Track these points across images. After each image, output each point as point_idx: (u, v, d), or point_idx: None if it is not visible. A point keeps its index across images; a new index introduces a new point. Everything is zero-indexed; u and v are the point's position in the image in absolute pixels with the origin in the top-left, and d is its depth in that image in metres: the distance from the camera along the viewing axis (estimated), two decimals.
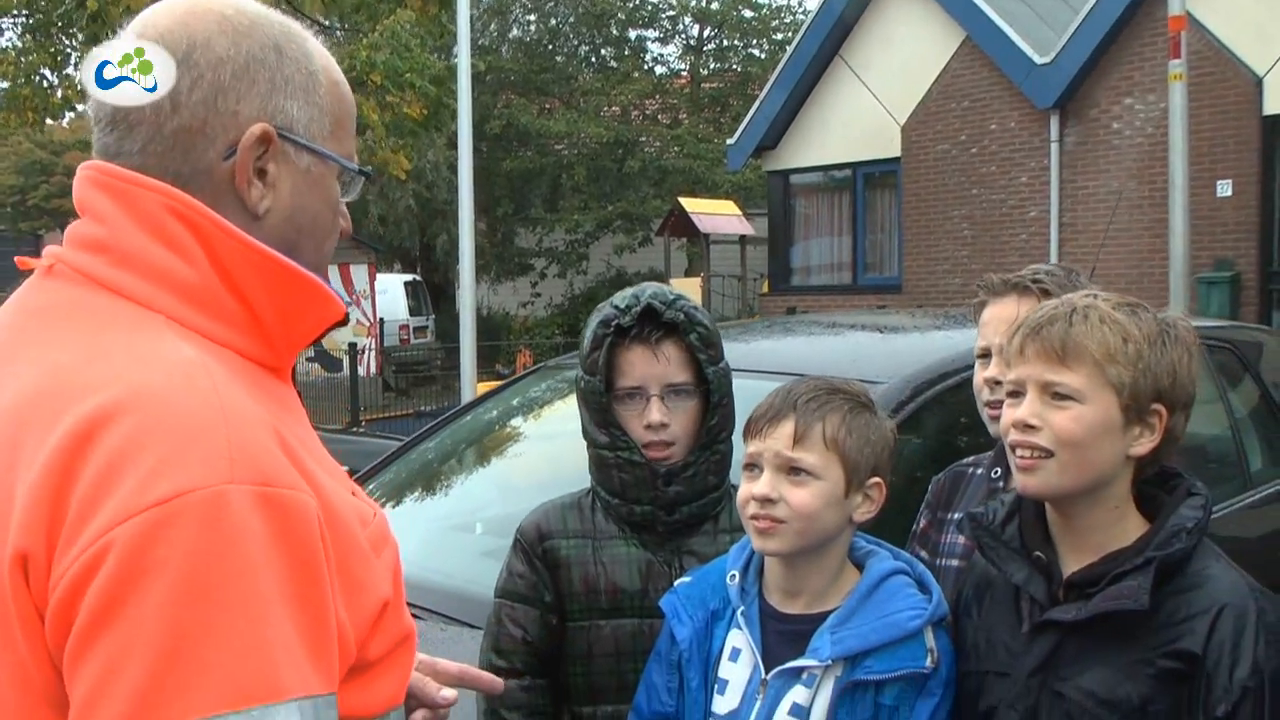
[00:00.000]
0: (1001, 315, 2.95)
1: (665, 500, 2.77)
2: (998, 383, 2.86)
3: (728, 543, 2.72)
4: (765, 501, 2.41)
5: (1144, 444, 2.26)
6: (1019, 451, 2.28)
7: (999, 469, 2.99)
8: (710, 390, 2.78)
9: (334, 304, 1.65)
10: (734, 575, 2.56)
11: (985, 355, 3.00)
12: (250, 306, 1.57)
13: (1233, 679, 2.11)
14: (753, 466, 2.47)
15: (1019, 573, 2.33)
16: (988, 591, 2.46)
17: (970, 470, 3.14)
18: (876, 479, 2.48)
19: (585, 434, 2.85)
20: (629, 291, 2.84)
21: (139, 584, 1.29)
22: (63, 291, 1.54)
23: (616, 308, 2.79)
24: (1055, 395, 2.25)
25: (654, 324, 2.77)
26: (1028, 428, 2.26)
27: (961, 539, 2.95)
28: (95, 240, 1.55)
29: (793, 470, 2.42)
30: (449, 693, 1.94)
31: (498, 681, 2.17)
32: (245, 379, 1.51)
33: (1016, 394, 2.32)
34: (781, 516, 2.40)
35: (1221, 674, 2.12)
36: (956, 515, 3.03)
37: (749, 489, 2.45)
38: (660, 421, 2.74)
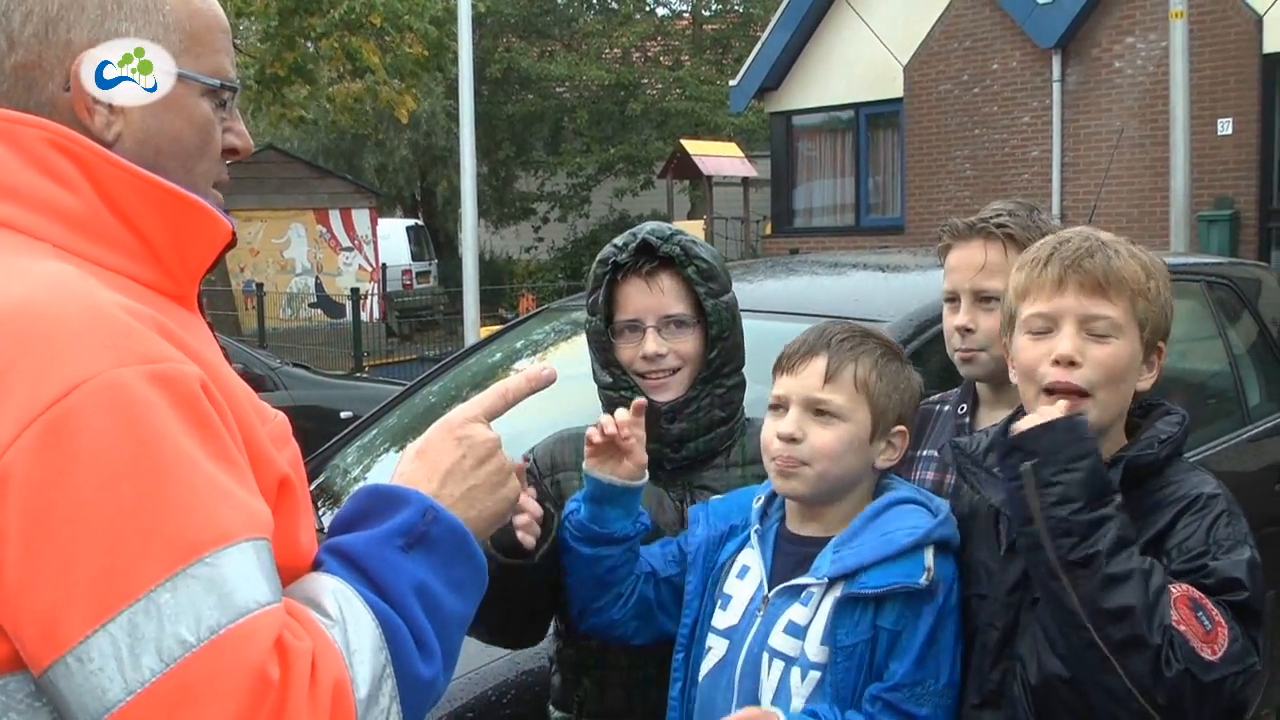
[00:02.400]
0: (968, 260, 2.91)
1: (670, 437, 2.72)
2: (969, 330, 2.86)
3: (739, 477, 2.73)
4: (790, 440, 2.40)
5: (1147, 380, 2.27)
6: (1060, 389, 2.21)
7: (964, 405, 2.99)
8: (710, 323, 2.74)
9: (219, 222, 1.65)
10: (760, 498, 2.56)
11: (952, 299, 2.96)
12: (140, 233, 1.58)
13: (1190, 546, 2.13)
14: (779, 405, 2.46)
15: (996, 495, 2.32)
16: (972, 522, 2.44)
17: (937, 407, 3.11)
18: (901, 426, 2.48)
19: (594, 378, 2.84)
20: (629, 231, 2.82)
21: (60, 483, 1.32)
22: None
23: (615, 246, 2.78)
24: (1093, 330, 2.21)
25: (649, 257, 2.74)
26: (1071, 364, 2.20)
27: (930, 475, 2.96)
28: None
29: (820, 410, 2.41)
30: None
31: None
32: (135, 298, 1.51)
33: (1045, 331, 2.26)
34: (804, 457, 2.39)
35: (1182, 545, 2.14)
36: (925, 452, 3.02)
37: (774, 427, 2.44)
38: (655, 352, 2.70)
